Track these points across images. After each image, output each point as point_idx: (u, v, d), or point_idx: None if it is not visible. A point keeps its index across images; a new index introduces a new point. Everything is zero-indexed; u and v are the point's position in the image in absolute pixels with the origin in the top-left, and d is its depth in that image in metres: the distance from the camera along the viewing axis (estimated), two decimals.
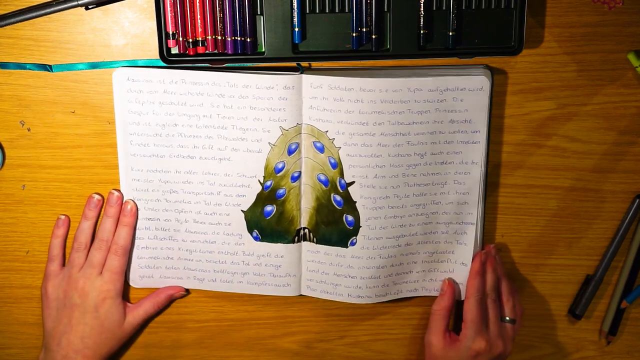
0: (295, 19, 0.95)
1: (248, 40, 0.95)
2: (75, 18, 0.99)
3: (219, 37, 0.95)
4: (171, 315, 1.09)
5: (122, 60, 1.00)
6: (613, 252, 1.07)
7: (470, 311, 1.02)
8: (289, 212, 1.03)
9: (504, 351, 1.03)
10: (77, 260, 1.04)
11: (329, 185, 1.02)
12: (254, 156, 1.00)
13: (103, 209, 1.04)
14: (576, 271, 1.09)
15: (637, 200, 1.05)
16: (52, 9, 0.96)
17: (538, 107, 1.02)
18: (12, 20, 0.96)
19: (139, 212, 1.03)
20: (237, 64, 0.98)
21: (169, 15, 0.94)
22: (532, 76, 1.01)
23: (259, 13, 0.95)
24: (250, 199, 1.02)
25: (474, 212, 1.02)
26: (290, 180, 1.02)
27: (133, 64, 0.99)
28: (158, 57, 0.96)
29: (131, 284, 1.07)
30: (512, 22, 0.96)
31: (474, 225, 1.03)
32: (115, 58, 1.00)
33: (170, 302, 1.08)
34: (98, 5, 0.98)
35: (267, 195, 1.02)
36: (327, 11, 0.96)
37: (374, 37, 0.96)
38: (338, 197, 1.02)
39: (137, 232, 1.04)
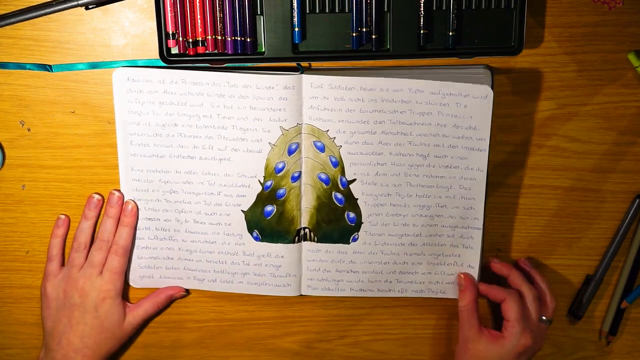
0: (295, 19, 0.95)
1: (248, 40, 0.95)
2: (75, 18, 0.99)
3: (219, 37, 0.95)
4: (171, 315, 1.09)
5: (122, 60, 1.00)
6: (613, 252, 1.07)
7: (512, 311, 1.02)
8: (289, 212, 1.03)
9: (539, 348, 1.04)
10: (76, 260, 1.04)
11: (330, 183, 1.02)
12: (254, 156, 1.00)
13: (103, 209, 1.04)
14: (576, 271, 1.09)
15: (637, 200, 1.05)
16: (52, 9, 0.96)
17: (538, 107, 1.02)
18: (12, 20, 0.96)
19: (139, 212, 1.03)
20: (237, 64, 0.98)
21: (169, 15, 0.94)
22: (532, 76, 1.01)
23: (259, 13, 0.95)
24: (251, 199, 1.02)
25: (480, 217, 1.02)
26: (290, 180, 1.02)
27: (133, 64, 0.99)
28: (158, 57, 0.96)
29: (131, 284, 1.07)
30: (512, 22, 0.96)
31: (480, 230, 1.03)
32: (115, 58, 1.00)
33: (170, 302, 1.08)
34: (98, 5, 0.98)
35: (268, 196, 1.02)
36: (327, 11, 0.96)
37: (374, 37, 0.96)
38: (339, 195, 1.02)
39: (137, 232, 1.04)
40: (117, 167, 1.02)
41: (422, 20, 0.95)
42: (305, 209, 1.03)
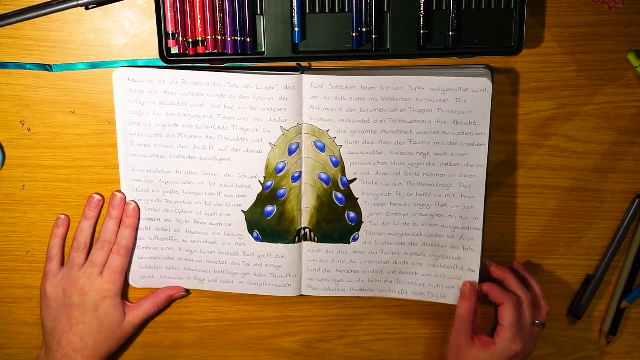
0: (295, 19, 0.95)
1: (248, 40, 0.95)
2: (75, 18, 0.99)
3: (219, 37, 0.95)
4: (171, 315, 1.09)
5: (122, 60, 1.00)
6: (613, 252, 1.07)
7: (507, 316, 1.02)
8: (289, 212, 1.03)
9: (531, 352, 1.04)
10: (76, 260, 1.04)
11: (331, 183, 1.02)
12: (255, 156, 1.00)
13: (104, 210, 1.04)
14: (576, 271, 1.09)
15: (637, 200, 1.05)
16: (52, 9, 0.96)
17: (538, 107, 1.02)
18: (12, 20, 0.96)
19: (140, 212, 1.03)
20: (237, 64, 0.98)
21: (169, 15, 0.94)
22: (532, 76, 1.01)
23: (259, 13, 0.95)
24: (251, 199, 1.02)
25: (480, 217, 1.02)
26: (290, 181, 1.02)
27: (133, 64, 0.99)
28: (158, 57, 0.96)
29: (131, 284, 1.07)
30: (512, 22, 0.96)
31: (480, 231, 1.03)
32: (116, 58, 1.00)
33: (170, 302, 1.08)
34: (98, 5, 0.97)
35: (268, 196, 1.02)
36: (327, 11, 0.96)
37: (374, 37, 0.96)
38: (340, 195, 1.02)
39: (138, 232, 1.04)
40: (117, 167, 1.02)
41: (422, 20, 0.95)
42: (305, 209, 1.03)
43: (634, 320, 1.11)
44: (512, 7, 0.95)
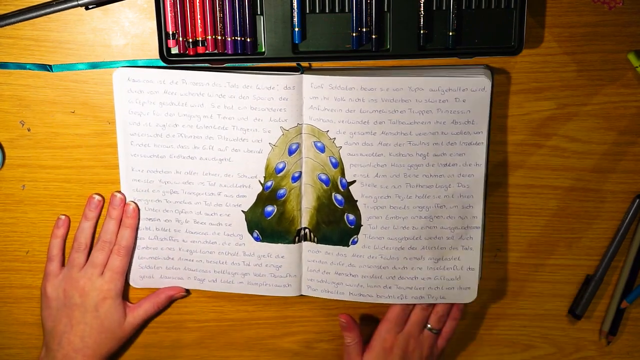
0: (295, 19, 0.95)
1: (248, 40, 0.95)
2: (75, 18, 0.99)
3: (219, 37, 0.95)
4: (171, 315, 1.09)
5: (122, 60, 1.00)
6: (613, 252, 1.07)
7: (391, 311, 1.05)
8: (289, 212, 1.03)
9: (426, 356, 1.05)
10: (77, 260, 1.04)
11: (330, 184, 1.02)
12: (255, 156, 1.00)
13: (104, 210, 1.04)
14: (576, 271, 1.09)
15: (637, 200, 1.05)
16: (52, 9, 0.96)
17: (538, 107, 1.02)
18: (12, 20, 0.96)
19: (140, 212, 1.03)
20: (237, 64, 0.98)
21: (169, 15, 0.94)
22: (532, 76, 1.01)
23: (259, 13, 0.95)
24: (251, 199, 1.02)
25: (479, 216, 1.02)
26: (290, 181, 1.02)
27: (133, 64, 0.99)
28: (158, 57, 0.96)
29: (131, 284, 1.07)
30: (512, 22, 0.96)
31: (479, 230, 1.02)
32: (116, 58, 1.00)
33: (170, 302, 1.08)
34: (98, 5, 0.98)
35: (268, 196, 1.02)
36: (327, 11, 0.96)
37: (374, 37, 0.96)
38: (339, 196, 1.02)
39: (138, 232, 1.04)
40: (117, 167, 1.02)
41: (422, 20, 0.95)
42: (305, 209, 1.03)
43: (634, 320, 1.11)
44: (512, 7, 0.95)
